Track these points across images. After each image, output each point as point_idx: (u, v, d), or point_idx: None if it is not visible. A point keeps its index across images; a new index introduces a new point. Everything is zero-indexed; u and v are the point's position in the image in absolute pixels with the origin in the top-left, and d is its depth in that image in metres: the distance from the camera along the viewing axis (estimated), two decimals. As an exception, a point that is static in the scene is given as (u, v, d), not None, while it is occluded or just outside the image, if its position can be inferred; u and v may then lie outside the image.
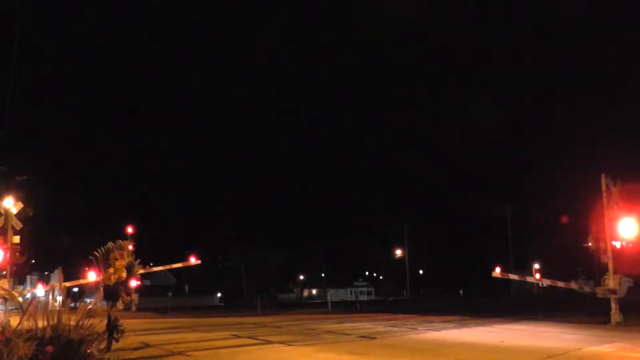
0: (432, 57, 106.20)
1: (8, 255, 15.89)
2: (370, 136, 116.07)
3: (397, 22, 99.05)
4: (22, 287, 55.02)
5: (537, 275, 25.50)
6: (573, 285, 24.49)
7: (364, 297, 67.44)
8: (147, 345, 11.86)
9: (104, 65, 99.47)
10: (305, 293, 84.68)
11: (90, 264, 11.12)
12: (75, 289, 52.75)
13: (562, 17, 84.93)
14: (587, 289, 22.30)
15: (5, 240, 16.01)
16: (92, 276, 19.94)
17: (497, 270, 20.80)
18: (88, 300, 13.56)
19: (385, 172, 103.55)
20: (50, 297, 7.79)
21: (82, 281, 28.02)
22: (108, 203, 69.59)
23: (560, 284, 21.32)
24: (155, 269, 32.57)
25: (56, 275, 58.31)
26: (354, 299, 54.47)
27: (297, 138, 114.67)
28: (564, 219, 55.56)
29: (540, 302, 31.96)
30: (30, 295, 25.44)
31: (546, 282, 23.26)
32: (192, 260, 30.66)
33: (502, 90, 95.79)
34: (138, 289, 32.45)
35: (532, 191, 74.88)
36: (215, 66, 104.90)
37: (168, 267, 33.51)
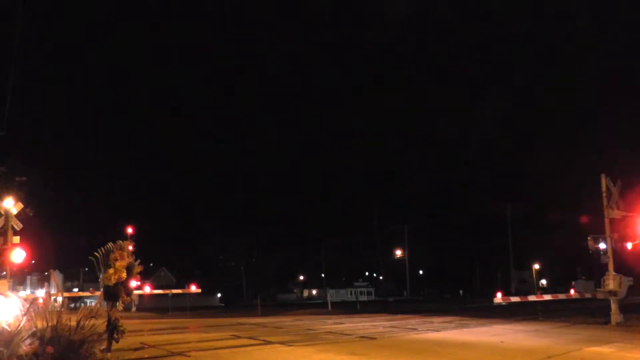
0: (432, 57, 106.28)
1: (8, 255, 15.88)
2: (371, 136, 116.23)
3: (397, 22, 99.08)
4: (22, 287, 55.06)
5: (538, 292, 26.05)
6: (574, 295, 24.62)
7: (363, 298, 67.39)
8: (147, 346, 11.84)
9: (104, 66, 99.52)
10: (305, 293, 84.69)
11: (90, 265, 11.12)
12: (75, 289, 52.75)
13: (562, 16, 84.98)
14: (588, 295, 22.46)
15: (6, 241, 15.97)
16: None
17: (499, 295, 21.27)
18: (88, 302, 13.55)
19: (385, 172, 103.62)
20: (48, 297, 7.82)
21: (81, 293, 28.29)
22: (108, 203, 69.55)
23: (562, 296, 21.59)
24: (155, 292, 33.38)
25: (56, 276, 58.24)
26: (354, 299, 54.44)
27: (296, 139, 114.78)
28: (565, 219, 55.57)
29: (540, 302, 31.95)
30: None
31: (547, 297, 23.50)
32: (193, 289, 32.72)
33: (502, 90, 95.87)
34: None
35: (532, 191, 75.01)
36: (215, 65, 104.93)
37: (168, 291, 34.34)
